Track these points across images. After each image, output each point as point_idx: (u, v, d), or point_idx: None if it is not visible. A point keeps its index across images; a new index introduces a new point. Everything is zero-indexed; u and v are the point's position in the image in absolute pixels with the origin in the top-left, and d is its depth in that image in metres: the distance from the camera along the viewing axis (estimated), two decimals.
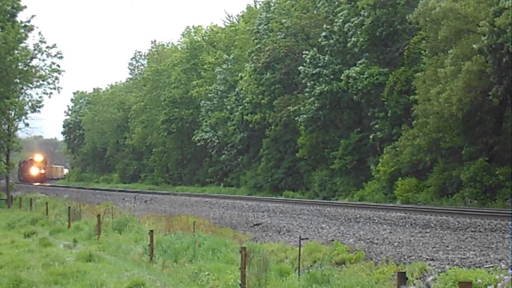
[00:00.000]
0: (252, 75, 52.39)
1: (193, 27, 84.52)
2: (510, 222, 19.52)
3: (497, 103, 29.45)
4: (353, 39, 39.96)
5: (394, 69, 38.25)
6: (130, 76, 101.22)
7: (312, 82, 43.38)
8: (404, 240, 17.30)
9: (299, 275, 13.54)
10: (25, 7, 45.88)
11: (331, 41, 42.93)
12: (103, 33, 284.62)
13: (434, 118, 31.42)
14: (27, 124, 45.80)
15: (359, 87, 38.76)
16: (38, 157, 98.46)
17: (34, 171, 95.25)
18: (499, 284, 10.08)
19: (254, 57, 51.10)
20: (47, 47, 45.10)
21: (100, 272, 14.68)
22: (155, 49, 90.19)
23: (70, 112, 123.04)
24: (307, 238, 18.14)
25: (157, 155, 77.15)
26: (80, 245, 21.03)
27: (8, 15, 44.53)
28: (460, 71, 28.46)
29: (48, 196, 46.48)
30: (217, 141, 60.53)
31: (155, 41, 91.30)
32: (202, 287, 13.69)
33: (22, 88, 45.40)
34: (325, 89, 42.20)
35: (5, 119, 43.43)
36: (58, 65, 45.57)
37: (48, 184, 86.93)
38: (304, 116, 43.74)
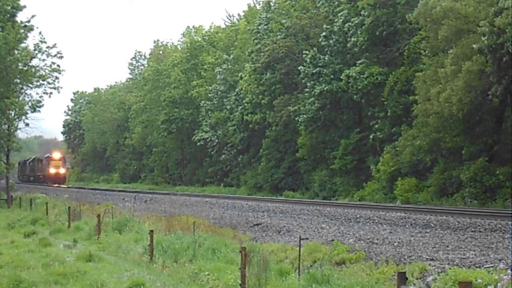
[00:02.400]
0: (252, 75, 52.41)
1: (193, 27, 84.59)
2: (510, 222, 19.52)
3: (497, 103, 29.47)
4: (353, 39, 39.96)
5: (394, 69, 38.25)
6: (130, 76, 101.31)
7: (312, 82, 43.39)
8: (404, 240, 17.29)
9: (299, 275, 13.53)
10: (25, 7, 45.97)
11: (331, 41, 42.93)
12: (103, 33, 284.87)
13: (434, 118, 31.42)
14: (27, 124, 45.78)
15: (359, 87, 38.76)
16: (56, 155, 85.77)
17: (52, 170, 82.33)
18: (499, 284, 10.09)
19: (254, 57, 51.11)
20: (47, 47, 45.13)
21: (100, 272, 14.68)
22: (157, 48, 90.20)
23: (70, 112, 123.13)
24: (307, 238, 18.12)
25: (157, 155, 77.18)
26: (80, 245, 21.03)
27: (8, 15, 44.54)
28: (460, 71, 28.47)
29: (48, 196, 46.45)
30: (217, 141, 60.57)
31: (158, 40, 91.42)
32: (202, 287, 13.69)
33: (22, 88, 45.39)
34: (325, 89, 42.21)
35: (5, 119, 43.42)
36: (58, 65, 45.62)
37: (48, 185, 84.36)
38: (304, 116, 43.74)
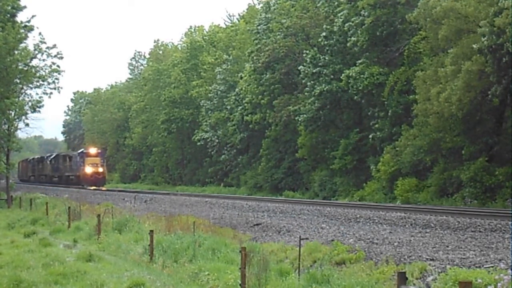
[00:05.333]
0: (252, 75, 52.40)
1: (195, 27, 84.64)
2: (510, 222, 19.51)
3: (497, 103, 29.49)
4: (353, 39, 39.94)
5: (394, 69, 38.25)
6: (130, 76, 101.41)
7: (312, 82, 43.39)
8: (404, 240, 17.29)
9: (299, 275, 13.53)
10: (25, 7, 45.96)
11: (331, 41, 42.93)
12: (103, 33, 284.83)
13: (434, 118, 31.42)
14: (27, 124, 45.81)
15: (360, 87, 38.75)
16: (93, 150, 70.87)
17: (88, 169, 67.46)
18: (499, 284, 10.09)
19: (254, 57, 51.10)
20: (47, 47, 45.11)
21: (100, 272, 14.69)
22: (157, 48, 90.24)
23: (70, 112, 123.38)
24: (307, 238, 18.12)
25: (157, 155, 77.20)
26: (80, 245, 21.04)
27: (8, 15, 44.53)
28: (460, 71, 28.47)
29: (48, 196, 46.45)
30: (217, 141, 60.58)
31: (158, 40, 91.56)
32: (202, 287, 13.69)
33: (22, 88, 45.39)
34: (325, 89, 42.20)
35: (5, 119, 43.42)
36: (58, 65, 45.59)
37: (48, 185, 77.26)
38: (304, 116, 43.73)
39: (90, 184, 65.07)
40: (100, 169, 68.56)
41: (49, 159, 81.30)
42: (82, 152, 70.36)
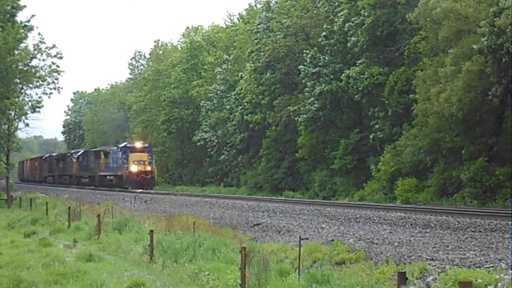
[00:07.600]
0: (252, 75, 52.43)
1: (192, 27, 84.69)
2: (510, 222, 19.51)
3: (497, 103, 29.51)
4: (353, 38, 39.95)
5: (394, 69, 38.25)
6: (130, 76, 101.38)
7: (312, 82, 43.40)
8: (404, 240, 17.29)
9: (299, 275, 13.53)
10: (25, 6, 45.95)
11: (331, 41, 42.94)
12: (103, 33, 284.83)
13: (434, 118, 31.44)
14: (27, 124, 45.83)
15: (360, 87, 38.76)
16: (139, 144, 59.04)
17: (134, 168, 56.09)
18: (499, 284, 10.10)
19: (254, 57, 51.11)
20: (47, 47, 45.09)
21: (100, 272, 14.70)
22: (157, 48, 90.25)
23: (70, 112, 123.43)
24: (307, 238, 18.12)
25: (157, 155, 77.21)
26: (80, 245, 21.05)
27: (8, 15, 44.53)
28: (460, 71, 28.48)
29: (48, 196, 46.45)
30: (217, 141, 60.58)
31: (158, 40, 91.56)
32: (202, 287, 13.70)
33: (22, 88, 45.40)
34: (325, 89, 42.21)
35: (5, 119, 43.43)
36: (57, 66, 45.56)
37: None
38: (304, 116, 43.74)
39: (136, 186, 54.39)
40: (149, 168, 56.99)
41: (76, 156, 70.46)
42: (125, 146, 58.13)
